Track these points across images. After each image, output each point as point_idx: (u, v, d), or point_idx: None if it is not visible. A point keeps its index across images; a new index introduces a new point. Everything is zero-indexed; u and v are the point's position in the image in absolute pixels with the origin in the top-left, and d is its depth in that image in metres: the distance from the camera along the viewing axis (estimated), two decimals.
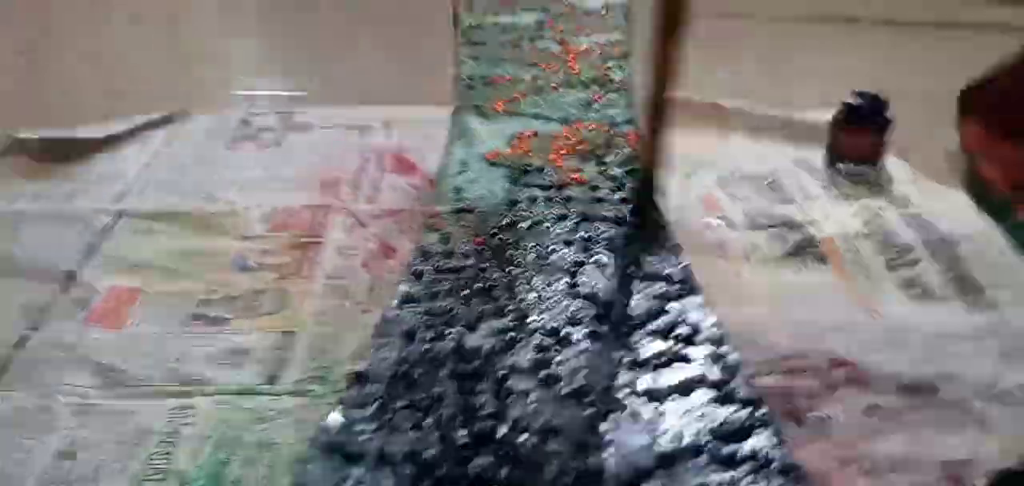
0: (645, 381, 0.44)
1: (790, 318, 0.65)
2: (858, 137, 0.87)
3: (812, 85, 1.10)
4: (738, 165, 0.88)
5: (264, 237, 0.76)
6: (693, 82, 1.03)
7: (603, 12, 0.84)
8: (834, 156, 0.88)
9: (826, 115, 0.91)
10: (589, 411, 0.42)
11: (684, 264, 0.54)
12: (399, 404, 0.42)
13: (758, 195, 0.83)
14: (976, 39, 1.33)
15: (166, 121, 0.96)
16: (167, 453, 0.53)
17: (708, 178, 0.85)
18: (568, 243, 0.56)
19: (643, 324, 0.49)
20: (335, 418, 0.41)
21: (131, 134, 0.92)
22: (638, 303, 0.50)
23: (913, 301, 0.69)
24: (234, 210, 0.80)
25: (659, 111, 0.65)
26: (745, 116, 0.98)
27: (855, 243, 0.75)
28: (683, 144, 0.89)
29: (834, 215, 0.79)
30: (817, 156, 0.90)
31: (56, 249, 0.73)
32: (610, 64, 0.78)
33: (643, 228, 0.65)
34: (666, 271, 0.54)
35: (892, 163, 0.88)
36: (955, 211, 0.77)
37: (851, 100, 0.87)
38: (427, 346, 0.46)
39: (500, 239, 0.56)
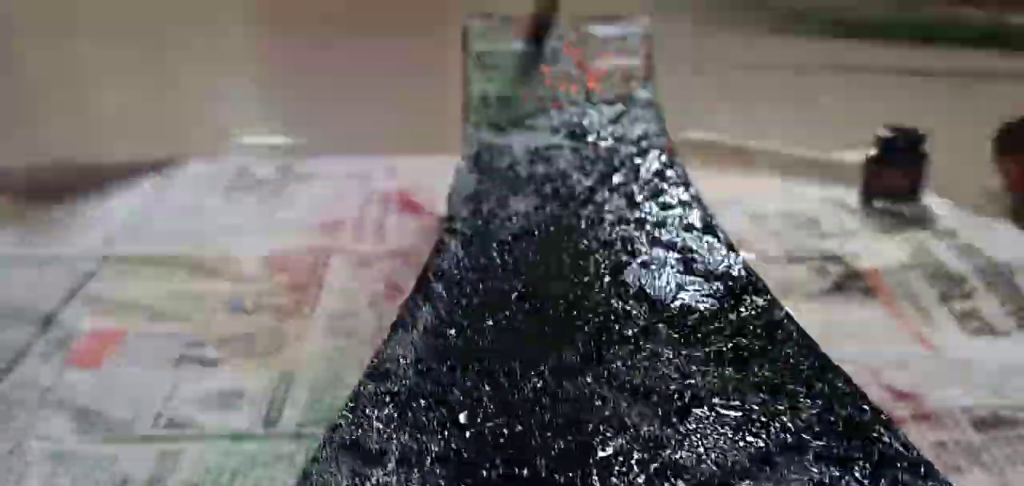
0: (723, 377, 0.38)
1: (843, 353, 0.59)
2: (895, 173, 0.82)
3: (839, 129, 1.06)
4: (769, 203, 0.83)
5: (260, 280, 0.71)
6: (718, 126, 1.00)
7: (622, 39, 0.80)
8: (870, 193, 0.83)
9: (857, 156, 0.87)
10: (661, 407, 0.35)
11: (742, 261, 0.48)
12: (423, 402, 0.35)
13: (793, 230, 0.78)
14: (999, 87, 1.31)
15: (159, 167, 0.91)
16: None
17: (738, 215, 0.80)
18: (606, 244, 0.51)
19: (706, 322, 0.43)
20: (345, 415, 0.34)
21: (121, 178, 0.87)
22: (696, 300, 0.44)
23: (972, 334, 0.63)
24: (229, 254, 0.74)
25: None
26: (773, 157, 0.94)
27: (903, 275, 0.69)
28: (710, 185, 0.85)
29: (877, 248, 0.74)
30: (851, 195, 0.85)
31: (36, 291, 0.67)
32: (633, 84, 0.74)
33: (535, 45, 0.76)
34: (724, 270, 0.48)
35: (931, 200, 0.83)
36: (1006, 242, 0.72)
37: (886, 134, 0.83)
38: (454, 343, 0.40)
39: (529, 243, 0.51)
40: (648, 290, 0.45)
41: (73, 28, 1.77)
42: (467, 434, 0.34)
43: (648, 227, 0.53)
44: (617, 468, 0.32)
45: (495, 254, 0.49)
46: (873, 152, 0.83)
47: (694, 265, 0.48)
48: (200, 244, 0.76)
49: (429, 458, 0.32)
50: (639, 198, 0.57)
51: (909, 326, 0.64)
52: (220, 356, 0.60)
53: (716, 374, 0.38)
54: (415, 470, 0.31)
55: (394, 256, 0.74)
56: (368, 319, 0.64)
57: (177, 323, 0.64)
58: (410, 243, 0.77)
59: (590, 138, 0.65)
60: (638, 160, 0.63)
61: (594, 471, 0.31)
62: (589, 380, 0.37)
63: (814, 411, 0.36)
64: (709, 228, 0.54)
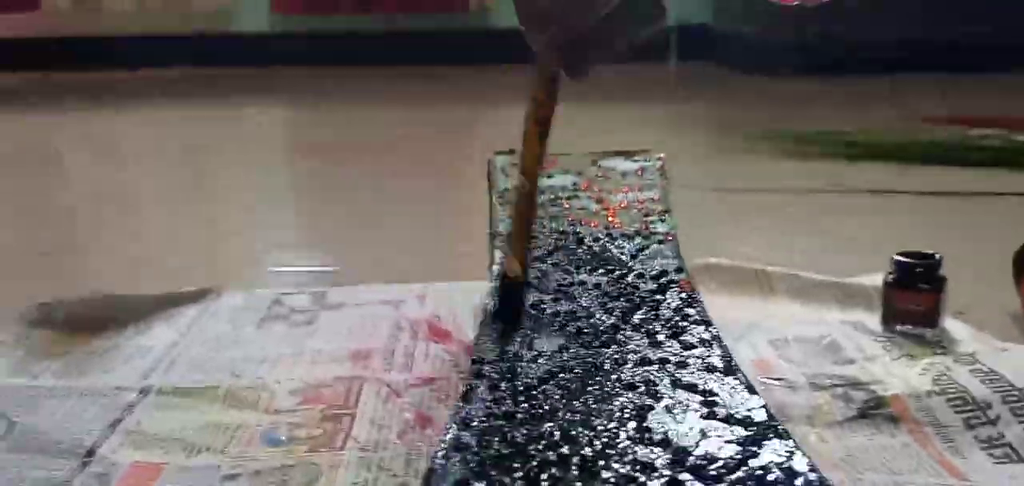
0: None
1: (871, 482, 0.60)
2: (913, 297, 0.83)
3: (858, 252, 1.08)
4: (789, 328, 0.84)
5: (294, 411, 0.72)
6: (734, 250, 1.02)
7: (639, 173, 0.83)
8: (890, 318, 0.84)
9: (876, 279, 0.89)
10: None
11: (764, 404, 0.50)
12: None
13: (815, 356, 0.79)
14: (1017, 207, 1.33)
15: (197, 298, 0.94)
16: None
17: (759, 341, 0.81)
18: (630, 388, 0.52)
19: (729, 470, 0.44)
20: None
21: (160, 310, 0.90)
22: (719, 447, 0.46)
23: (999, 461, 0.63)
24: (263, 385, 0.76)
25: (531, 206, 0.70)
26: (791, 280, 0.95)
27: (927, 402, 0.70)
28: (728, 309, 0.86)
29: (899, 374, 0.74)
30: (871, 319, 0.86)
31: (77, 425, 0.69)
32: (651, 218, 0.76)
33: (508, 319, 0.66)
34: (745, 414, 0.49)
35: (951, 324, 0.84)
36: None
37: (902, 260, 0.84)
38: None
39: (555, 385, 0.52)
40: (672, 437, 0.46)
41: (115, 161, 1.85)
42: None
43: (670, 367, 0.54)
44: None
45: (522, 399, 0.50)
46: (890, 277, 0.84)
47: (716, 409, 0.50)
48: (236, 375, 0.78)
49: None
50: (661, 337, 0.58)
51: (936, 454, 0.64)
52: None
53: None
54: None
55: (423, 384, 0.76)
56: (399, 451, 0.66)
57: (214, 456, 0.66)
58: (438, 370, 0.78)
59: (612, 274, 0.67)
60: (659, 297, 0.64)
61: None
62: None
63: None
64: (730, 369, 0.55)
